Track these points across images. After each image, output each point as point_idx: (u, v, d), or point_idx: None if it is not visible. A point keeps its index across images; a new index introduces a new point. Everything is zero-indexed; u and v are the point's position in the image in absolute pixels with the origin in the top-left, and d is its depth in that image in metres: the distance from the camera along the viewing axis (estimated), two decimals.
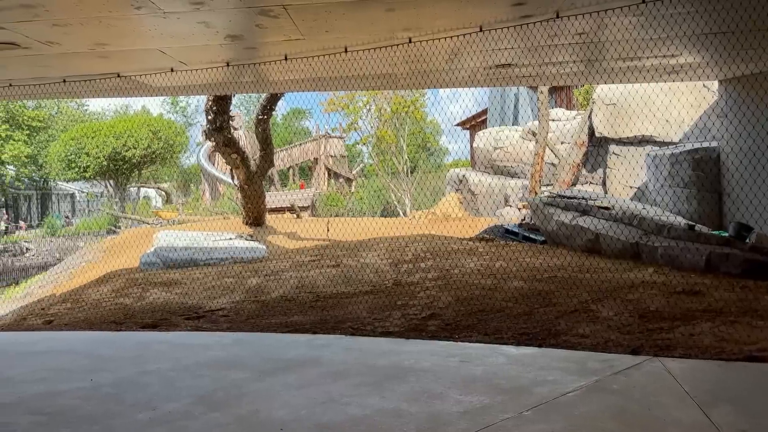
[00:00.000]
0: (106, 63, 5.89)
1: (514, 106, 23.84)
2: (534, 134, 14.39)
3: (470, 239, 10.95)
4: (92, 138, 23.15)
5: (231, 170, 12.13)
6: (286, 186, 32.15)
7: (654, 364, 4.48)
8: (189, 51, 5.60)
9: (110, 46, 5.28)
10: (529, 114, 21.99)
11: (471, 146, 24.53)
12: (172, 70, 6.16)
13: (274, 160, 34.72)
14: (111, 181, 24.63)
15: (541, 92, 13.24)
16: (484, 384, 4.14)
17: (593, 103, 13.27)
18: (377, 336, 5.69)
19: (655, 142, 12.10)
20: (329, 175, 32.85)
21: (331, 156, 33.17)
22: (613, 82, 9.16)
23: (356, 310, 6.62)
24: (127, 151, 23.51)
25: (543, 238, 10.32)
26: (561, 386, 3.98)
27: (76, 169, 23.89)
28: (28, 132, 31.86)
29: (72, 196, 51.46)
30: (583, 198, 9.62)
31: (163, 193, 26.28)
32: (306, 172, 35.31)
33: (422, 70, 7.10)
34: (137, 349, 5.57)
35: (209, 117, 10.81)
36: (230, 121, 11.13)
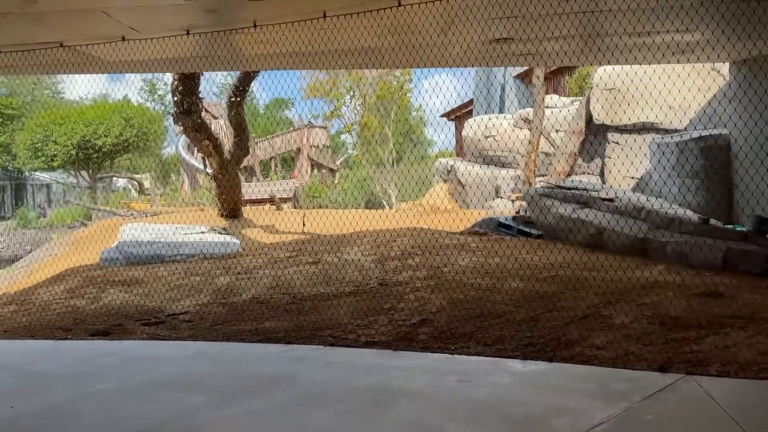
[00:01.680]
0: (43, 29, 5.07)
1: (500, 97, 23.27)
2: (528, 121, 13.71)
3: (461, 233, 10.25)
4: (60, 125, 22.07)
5: (203, 158, 11.31)
6: (267, 176, 31.50)
7: (688, 384, 3.81)
8: (139, 13, 4.80)
9: (39, 4, 4.46)
10: (516, 105, 21.42)
11: (456, 137, 24.05)
12: (123, 39, 5.35)
13: (256, 150, 34.08)
14: (82, 171, 23.55)
15: (537, 76, 12.53)
16: (490, 412, 3.45)
17: (591, 88, 12.60)
18: (361, 347, 4.97)
19: (657, 130, 11.45)
20: (312, 165, 32.29)
21: (314, 146, 32.52)
22: (617, 63, 8.49)
23: (337, 314, 5.89)
24: (97, 139, 22.43)
25: (539, 232, 9.66)
26: (585, 417, 3.29)
27: (43, 158, 22.79)
28: (0, 120, 30.57)
29: (48, 186, 50.09)
30: (583, 189, 8.96)
31: (135, 183, 25.28)
32: (288, 162, 34.71)
33: (411, 43, 6.37)
34: (81, 363, 4.81)
35: (175, 98, 9.95)
36: (200, 104, 10.28)
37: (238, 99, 11.05)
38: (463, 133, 16.81)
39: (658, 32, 6.87)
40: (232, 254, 9.39)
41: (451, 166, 16.33)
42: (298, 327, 5.59)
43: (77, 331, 5.90)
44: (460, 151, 21.73)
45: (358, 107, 19.91)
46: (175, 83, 9.83)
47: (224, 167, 11.14)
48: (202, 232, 10.59)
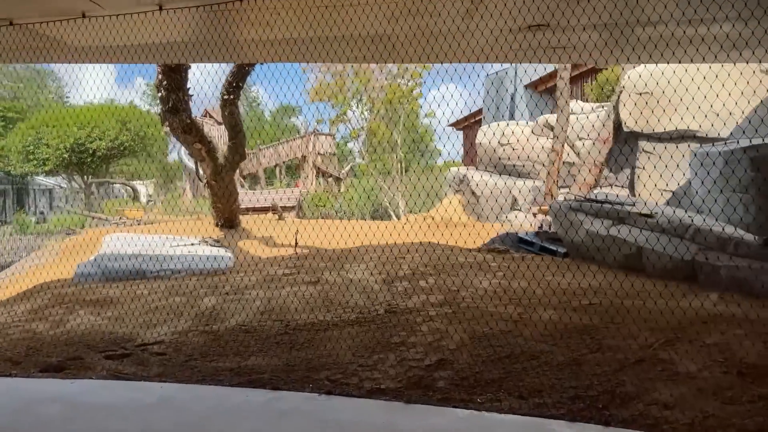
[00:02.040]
0: None
1: (510, 110, 22.54)
2: (550, 128, 12.74)
3: (478, 250, 9.31)
4: (53, 127, 21.22)
5: (196, 163, 10.38)
6: (272, 185, 30.89)
7: None
8: None
9: None
10: (526, 115, 20.68)
11: (464, 148, 23.47)
12: (84, 16, 4.48)
13: (260, 157, 33.27)
14: (77, 176, 22.68)
15: (561, 78, 11.57)
16: None
17: (620, 92, 11.62)
18: (364, 396, 4.04)
19: (695, 138, 10.51)
20: (318, 173, 31.68)
21: (320, 154, 31.83)
22: (658, 61, 7.52)
23: (337, 349, 4.95)
24: (91, 142, 21.56)
25: (565, 250, 8.71)
26: None
27: (35, 162, 21.90)
28: (3, 123, 29.74)
29: (50, 191, 49.29)
30: (617, 203, 8.00)
31: (129, 189, 24.36)
32: (294, 170, 34.12)
33: (430, 30, 5.45)
34: (15, 412, 3.89)
35: (160, 95, 9.03)
36: (189, 101, 9.35)
37: (232, 97, 10.11)
38: (477, 140, 15.87)
39: (704, 21, 5.94)
40: (223, 270, 8.47)
41: (464, 175, 15.38)
42: (289, 366, 4.66)
43: (27, 365, 4.98)
44: (468, 161, 21.27)
45: (366, 112, 18.92)
46: (159, 77, 8.92)
47: (218, 173, 10.23)
48: (193, 244, 9.70)
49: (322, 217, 18.70)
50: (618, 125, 11.94)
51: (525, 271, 7.45)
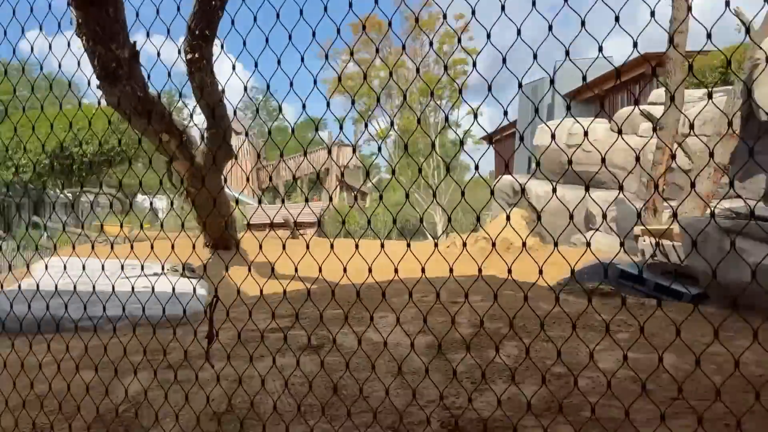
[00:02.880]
0: None
1: (548, 118, 20.42)
2: (652, 119, 9.81)
3: (565, 289, 6.50)
4: (34, 130, 18.95)
5: (168, 163, 7.68)
6: (290, 198, 29.06)
7: None
8: None
9: None
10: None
11: (496, 161, 22.10)
12: None
13: (280, 170, 31.29)
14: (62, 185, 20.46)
15: (676, 44, 8.49)
16: None
17: (756, 65, 8.65)
18: None
19: None
20: (341, 187, 29.96)
21: (345, 167, 30.13)
22: None
23: None
24: (76, 147, 19.24)
25: (700, 291, 5.89)
26: None
27: (13, 168, 19.66)
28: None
29: (66, 205, 47.63)
30: None
31: (117, 201, 21.92)
32: (317, 185, 32.65)
33: None
34: None
35: (84, 43, 6.09)
36: (137, 64, 6.57)
37: (197, 56, 7.12)
38: (536, 141, 13.04)
39: None
40: (184, 318, 5.77)
41: (521, 185, 12.54)
42: None
43: None
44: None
45: (395, 108, 16.24)
46: (74, 18, 5.97)
47: (196, 177, 7.52)
48: (155, 274, 7.03)
49: (345, 236, 16.09)
50: (748, 114, 8.95)
51: (660, 332, 4.60)
